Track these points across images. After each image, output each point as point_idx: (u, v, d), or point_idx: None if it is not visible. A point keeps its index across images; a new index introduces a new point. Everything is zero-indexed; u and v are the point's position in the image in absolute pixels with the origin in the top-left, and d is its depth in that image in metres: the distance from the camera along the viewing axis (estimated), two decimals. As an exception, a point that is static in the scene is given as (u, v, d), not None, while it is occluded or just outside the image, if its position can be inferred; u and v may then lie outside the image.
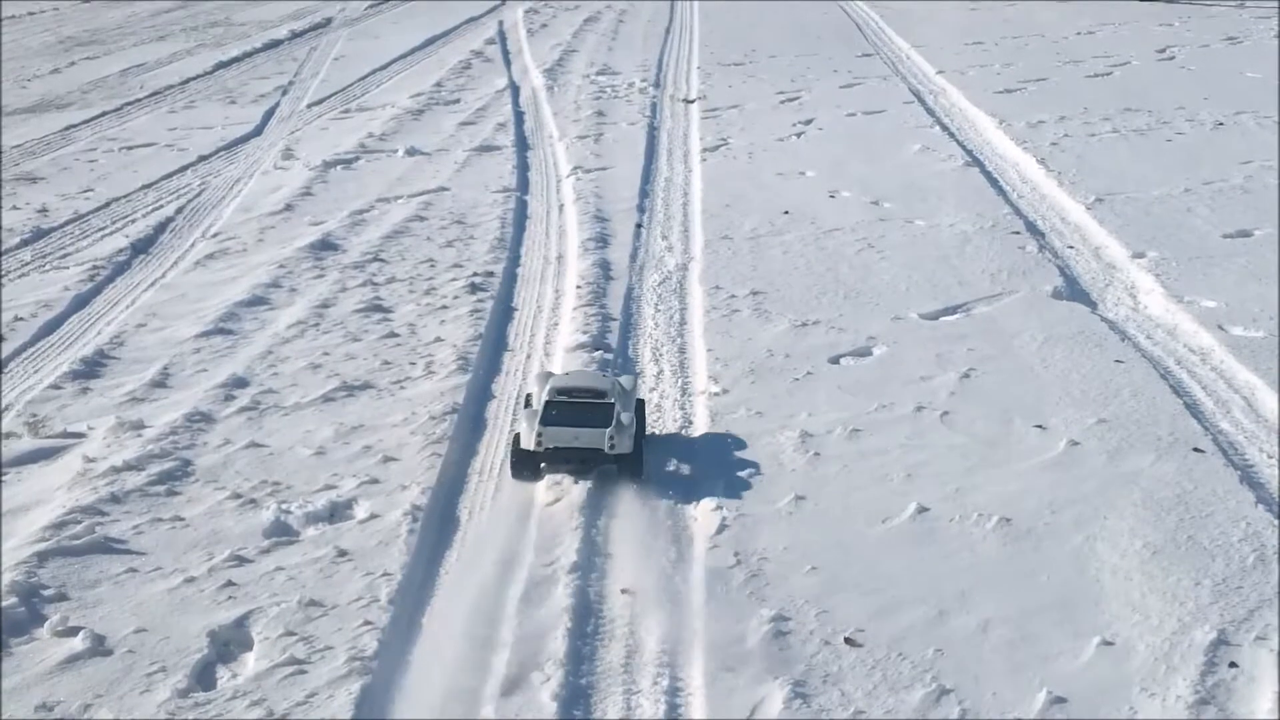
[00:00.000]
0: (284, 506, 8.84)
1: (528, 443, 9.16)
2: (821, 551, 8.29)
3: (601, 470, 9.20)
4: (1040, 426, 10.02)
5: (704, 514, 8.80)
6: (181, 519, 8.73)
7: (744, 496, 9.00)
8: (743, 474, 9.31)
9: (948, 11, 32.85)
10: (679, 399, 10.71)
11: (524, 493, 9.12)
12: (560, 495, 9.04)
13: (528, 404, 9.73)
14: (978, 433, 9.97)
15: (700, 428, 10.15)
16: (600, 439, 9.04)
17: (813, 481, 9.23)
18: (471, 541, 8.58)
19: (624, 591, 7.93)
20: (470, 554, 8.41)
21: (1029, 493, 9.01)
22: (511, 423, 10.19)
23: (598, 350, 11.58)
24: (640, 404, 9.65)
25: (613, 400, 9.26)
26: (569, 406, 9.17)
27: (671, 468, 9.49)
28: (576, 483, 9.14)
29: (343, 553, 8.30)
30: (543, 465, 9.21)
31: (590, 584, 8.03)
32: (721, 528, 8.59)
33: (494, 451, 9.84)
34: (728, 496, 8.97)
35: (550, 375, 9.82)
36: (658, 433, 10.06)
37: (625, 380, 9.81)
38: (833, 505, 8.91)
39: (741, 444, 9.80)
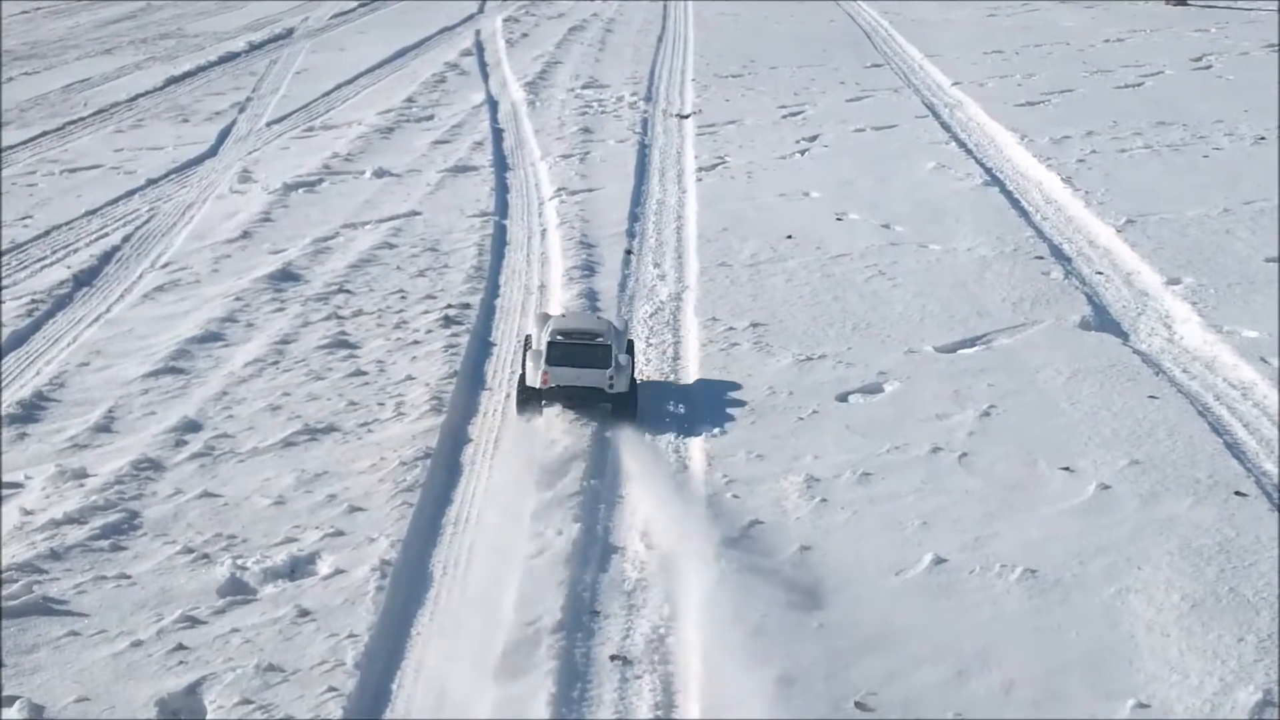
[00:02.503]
0: (240, 562, 8.82)
1: (533, 380, 10.83)
2: (830, 607, 8.29)
3: (599, 409, 10.80)
4: (1067, 469, 10.05)
5: (701, 568, 8.79)
6: (128, 577, 8.71)
7: (745, 548, 9.00)
8: (743, 523, 9.31)
9: (964, 18, 33.06)
10: (672, 441, 10.72)
11: (504, 545, 9.13)
12: (544, 547, 9.05)
13: (527, 344, 11.25)
14: (999, 476, 9.99)
15: (696, 470, 10.17)
16: (601, 379, 10.76)
17: (819, 530, 9.24)
18: (445, 599, 8.57)
19: (614, 658, 7.92)
20: (444, 613, 8.40)
21: (1055, 541, 9.03)
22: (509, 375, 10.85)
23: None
24: (630, 345, 11.40)
25: (609, 342, 10.88)
26: (570, 348, 10.81)
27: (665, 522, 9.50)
28: (560, 533, 9.16)
29: (304, 612, 8.29)
30: (544, 401, 10.88)
31: (576, 645, 8.02)
32: (720, 581, 8.58)
33: (470, 503, 9.84)
34: (727, 548, 8.97)
35: (549, 317, 11.39)
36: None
37: (617, 321, 11.58)
38: (841, 556, 8.91)
39: (742, 489, 9.81)
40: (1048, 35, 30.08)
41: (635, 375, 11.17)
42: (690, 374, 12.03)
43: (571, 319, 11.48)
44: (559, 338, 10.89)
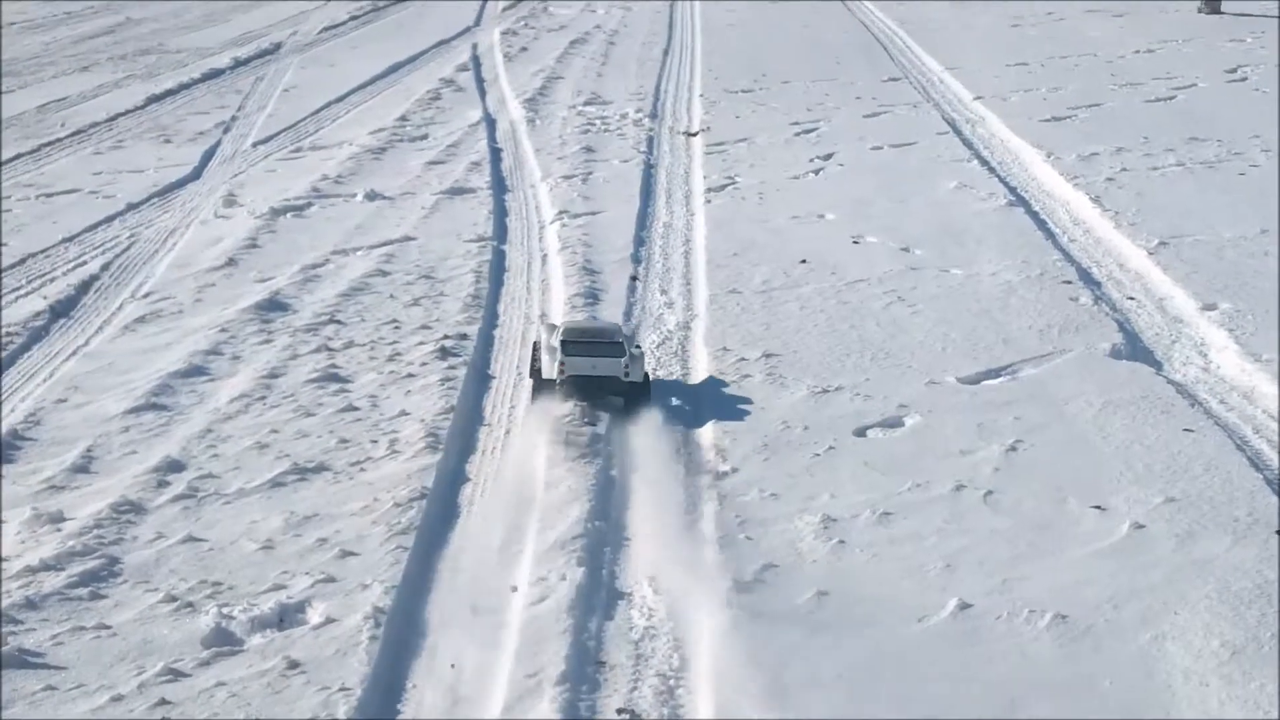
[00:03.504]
0: (225, 611, 8.81)
1: (550, 373, 11.73)
2: (849, 656, 8.27)
3: (611, 403, 11.62)
4: (1098, 507, 10.04)
5: (713, 614, 8.78)
6: (107, 627, 8.71)
7: (758, 593, 8.99)
8: (756, 567, 9.30)
9: (986, 28, 33.13)
10: (681, 480, 10.71)
11: (504, 591, 9.13)
12: (546, 593, 9.04)
13: (535, 351, 12.22)
14: (1027, 515, 9.98)
15: (706, 510, 10.17)
16: (617, 368, 11.65)
17: (837, 574, 9.24)
18: (442, 650, 8.56)
19: (620, 712, 7.91)
20: (440, 665, 8.39)
21: (1087, 584, 9.02)
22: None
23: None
24: (639, 348, 12.28)
25: (620, 340, 11.94)
26: (585, 344, 11.78)
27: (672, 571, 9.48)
28: (563, 578, 9.15)
29: (294, 664, 8.28)
30: (559, 393, 11.63)
31: (581, 698, 8.01)
32: (733, 628, 8.58)
33: (468, 546, 9.81)
34: (740, 593, 8.97)
35: (555, 326, 12.35)
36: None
37: (625, 329, 12.85)
38: (861, 602, 8.90)
39: (755, 530, 9.81)
40: (1074, 46, 30.13)
41: (647, 370, 12.09)
42: (700, 407, 12.04)
43: (583, 322, 12.95)
44: (574, 336, 11.91)
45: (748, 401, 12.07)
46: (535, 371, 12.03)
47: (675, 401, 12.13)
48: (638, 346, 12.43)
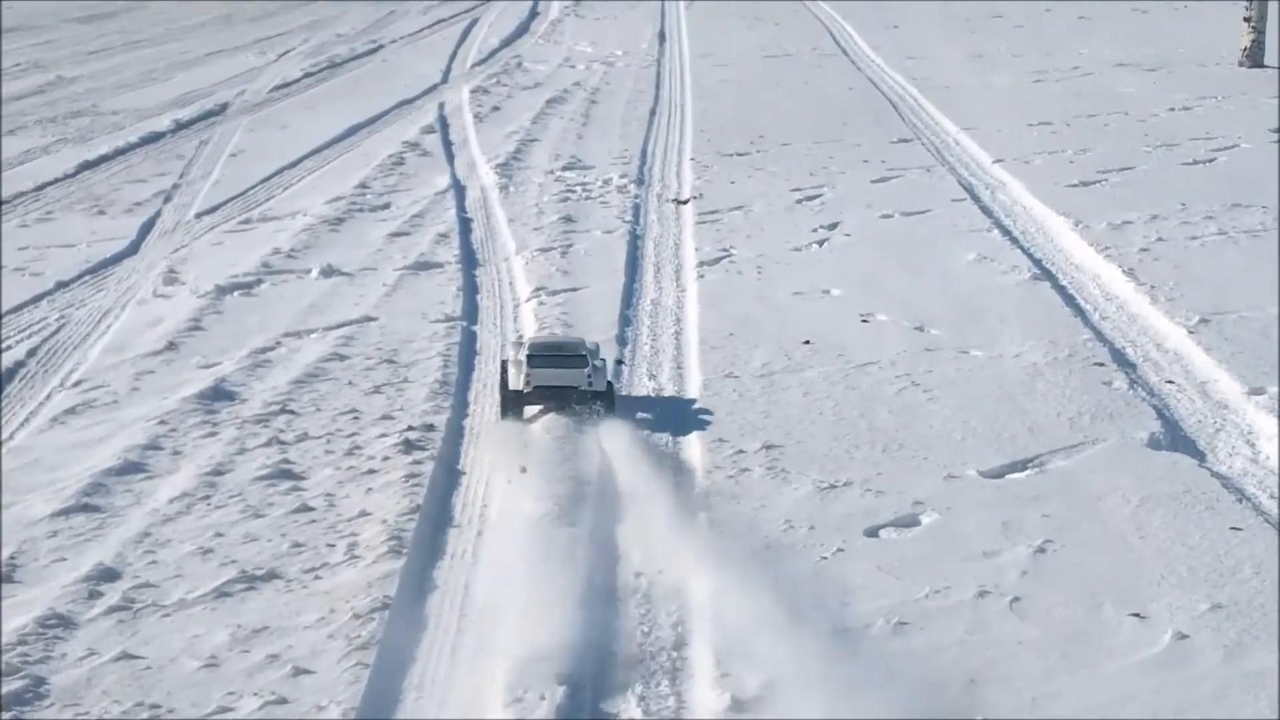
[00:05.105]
0: (165, 736, 8.79)
1: (516, 384, 13.68)
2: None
3: (580, 412, 13.39)
4: (1137, 615, 10.03)
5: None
6: (32, 756, 8.68)
7: (759, 712, 8.96)
8: (758, 682, 9.25)
9: (1006, 84, 33.41)
10: (670, 591, 10.66)
11: (475, 713, 9.09)
12: (523, 714, 9.01)
13: (503, 368, 14.09)
14: (1057, 624, 9.97)
15: (701, 618, 10.15)
16: (579, 378, 13.57)
17: (847, 692, 9.17)
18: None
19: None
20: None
21: (1126, 701, 9.01)
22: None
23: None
24: (602, 360, 14.20)
25: (584, 353, 13.85)
26: (550, 356, 13.74)
27: (661, 685, 9.46)
28: (542, 698, 9.11)
29: (241, 796, 8.25)
30: (526, 405, 13.71)
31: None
32: (731, 754, 8.57)
33: (436, 662, 9.80)
34: (739, 713, 8.92)
35: (520, 343, 14.37)
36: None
37: (590, 343, 14.30)
38: (874, 723, 8.88)
39: (756, 641, 9.77)
40: (1103, 103, 30.39)
41: (610, 380, 14.00)
42: (692, 511, 12.04)
43: (549, 337, 15.08)
44: (539, 350, 13.82)
45: (747, 499, 12.07)
46: (503, 384, 13.90)
47: (663, 501, 12.12)
48: (601, 359, 14.19)
